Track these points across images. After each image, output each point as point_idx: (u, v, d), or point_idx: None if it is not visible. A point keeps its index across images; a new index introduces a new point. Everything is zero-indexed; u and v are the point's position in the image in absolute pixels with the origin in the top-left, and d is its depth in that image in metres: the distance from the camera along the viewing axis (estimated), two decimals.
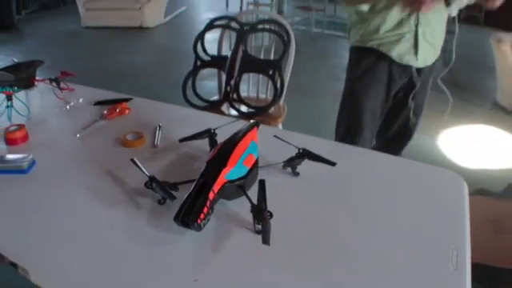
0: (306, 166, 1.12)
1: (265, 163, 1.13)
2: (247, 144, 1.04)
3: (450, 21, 1.81)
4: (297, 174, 1.12)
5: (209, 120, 1.37)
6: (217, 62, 2.37)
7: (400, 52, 1.75)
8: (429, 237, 0.91)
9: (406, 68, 1.80)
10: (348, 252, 0.86)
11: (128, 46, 6.33)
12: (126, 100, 1.57)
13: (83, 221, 0.94)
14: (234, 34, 2.38)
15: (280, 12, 7.86)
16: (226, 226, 0.92)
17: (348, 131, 1.90)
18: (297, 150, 1.13)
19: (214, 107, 2.33)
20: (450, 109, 1.98)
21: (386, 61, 1.78)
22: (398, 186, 1.11)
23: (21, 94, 1.55)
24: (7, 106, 1.45)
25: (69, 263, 0.82)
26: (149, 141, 1.29)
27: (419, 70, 1.83)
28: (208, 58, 2.36)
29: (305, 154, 1.12)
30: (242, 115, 2.21)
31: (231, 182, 0.96)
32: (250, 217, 0.90)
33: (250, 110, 2.25)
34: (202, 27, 2.37)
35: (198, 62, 2.35)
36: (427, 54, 1.81)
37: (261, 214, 0.86)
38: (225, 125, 1.26)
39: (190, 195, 0.88)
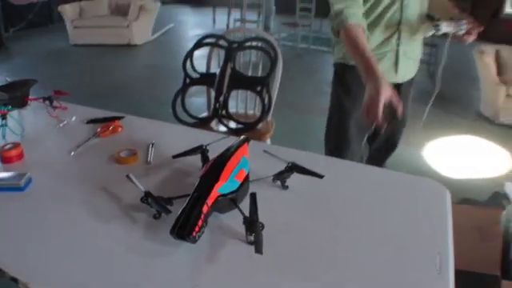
0: (294, 179, 1.17)
1: (255, 177, 1.17)
2: (238, 159, 1.08)
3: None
4: (286, 187, 1.17)
5: (200, 136, 1.41)
6: (205, 79, 2.42)
7: (381, 70, 1.80)
8: (414, 243, 0.97)
9: None
10: (338, 260, 0.91)
11: (116, 64, 6.37)
12: (119, 118, 1.61)
13: (81, 236, 0.97)
14: (222, 52, 2.43)
15: (267, 28, 7.97)
16: (219, 237, 0.96)
17: (336, 145, 1.95)
18: (286, 164, 1.18)
19: (203, 124, 2.37)
20: (430, 119, 2.04)
21: None
22: (384, 197, 1.16)
23: (14, 113, 1.57)
24: (1, 125, 1.47)
25: (68, 277, 0.86)
26: (142, 157, 1.33)
27: (399, 85, 1.88)
28: (197, 76, 2.40)
29: (293, 168, 1.17)
30: (231, 131, 2.25)
31: (224, 195, 1.00)
32: (242, 228, 0.94)
33: (239, 126, 2.30)
34: (189, 44, 2.41)
35: (187, 80, 2.39)
36: (407, 70, 1.87)
37: (253, 225, 0.91)
38: (216, 141, 1.30)
39: (185, 209, 0.92)
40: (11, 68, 6.06)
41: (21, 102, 1.66)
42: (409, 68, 1.88)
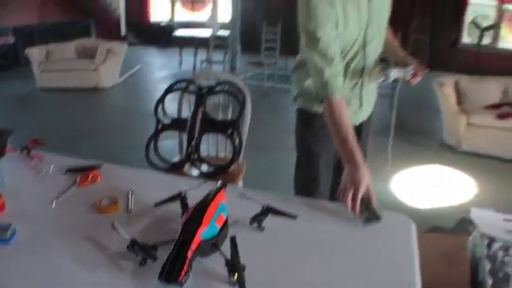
0: (270, 220, 1.26)
1: (233, 220, 1.24)
2: (217, 205, 1.16)
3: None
4: (263, 229, 1.25)
5: (176, 182, 1.49)
6: (177, 124, 2.48)
7: (349, 115, 1.88)
8: (383, 276, 1.06)
9: None
10: None
11: (86, 108, 6.37)
12: (96, 167, 1.65)
13: (68, 286, 1.02)
14: (192, 96, 2.51)
15: (233, 68, 8.14)
16: (203, 280, 1.02)
17: (306, 186, 2.01)
18: (261, 207, 1.26)
19: (176, 168, 2.42)
20: (396, 152, 2.14)
21: None
22: (354, 233, 1.26)
23: None
24: None
25: None
26: (123, 205, 1.38)
27: (361, 124, 1.99)
28: (168, 121, 2.47)
29: (268, 210, 1.26)
30: (204, 175, 2.31)
31: (206, 241, 1.07)
32: (224, 271, 1.01)
33: (212, 169, 2.36)
34: (157, 86, 2.50)
35: (159, 126, 2.45)
36: (368, 108, 1.99)
37: (235, 267, 0.98)
38: (194, 188, 1.37)
39: (171, 255, 0.98)
40: None
41: None
42: (370, 105, 2.00)
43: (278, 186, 1.48)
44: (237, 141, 2.38)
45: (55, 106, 6.48)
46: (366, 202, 1.34)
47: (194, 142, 2.37)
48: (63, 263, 1.10)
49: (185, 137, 2.44)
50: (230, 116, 2.60)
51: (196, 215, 1.09)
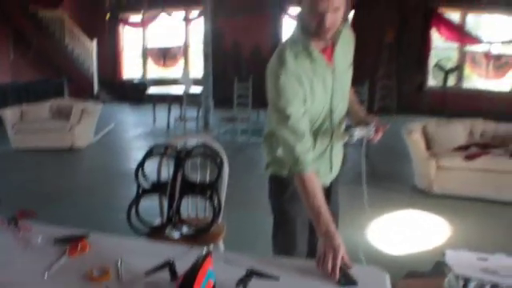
0: (254, 283, 1.36)
1: (220, 285, 1.33)
2: (205, 272, 1.25)
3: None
4: None
5: (162, 249, 1.57)
6: (157, 188, 2.58)
7: (319, 178, 1.92)
8: None
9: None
10: None
11: (62, 169, 6.36)
12: (84, 236, 1.72)
13: None
14: (171, 160, 2.62)
15: (206, 124, 8.30)
16: None
17: (284, 248, 2.05)
18: (245, 270, 1.36)
19: (157, 231, 2.49)
20: (370, 199, 2.23)
21: None
22: None
23: None
24: None
25: None
26: (113, 274, 1.46)
27: (331, 184, 2.11)
28: (149, 186, 2.56)
29: (252, 273, 1.36)
30: (185, 237, 2.39)
31: None
32: None
33: (191, 231, 2.43)
34: (131, 144, 2.58)
35: (140, 190, 2.54)
36: (337, 168, 2.10)
37: None
38: (180, 257, 1.46)
39: None
40: None
41: None
42: (338, 165, 2.11)
43: (258, 246, 1.58)
44: (216, 202, 2.48)
45: (30, 167, 6.46)
46: (344, 269, 1.47)
47: (174, 205, 2.47)
48: None
49: (165, 200, 2.53)
50: (208, 177, 2.71)
51: (186, 284, 1.18)
